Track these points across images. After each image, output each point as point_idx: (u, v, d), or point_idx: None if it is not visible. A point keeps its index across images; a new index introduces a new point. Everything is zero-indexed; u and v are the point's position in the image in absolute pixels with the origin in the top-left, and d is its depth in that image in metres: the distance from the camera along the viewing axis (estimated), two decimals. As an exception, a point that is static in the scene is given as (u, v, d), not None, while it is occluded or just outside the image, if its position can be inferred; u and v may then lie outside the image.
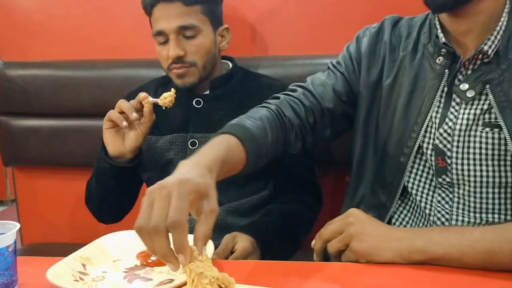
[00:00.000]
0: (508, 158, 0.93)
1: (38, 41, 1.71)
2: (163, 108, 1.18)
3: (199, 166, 0.77)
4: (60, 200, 1.79)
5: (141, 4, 1.32)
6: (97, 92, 1.61)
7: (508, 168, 0.93)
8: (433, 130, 0.99)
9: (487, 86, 0.94)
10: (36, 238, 1.81)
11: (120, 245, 0.95)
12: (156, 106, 1.19)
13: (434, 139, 0.99)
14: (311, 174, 1.40)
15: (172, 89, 1.18)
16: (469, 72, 0.96)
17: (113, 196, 1.30)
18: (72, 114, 1.66)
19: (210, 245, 0.91)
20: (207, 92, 1.37)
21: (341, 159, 1.40)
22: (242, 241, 1.16)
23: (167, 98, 1.17)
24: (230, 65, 1.43)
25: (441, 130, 0.98)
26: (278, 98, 1.12)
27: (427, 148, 1.00)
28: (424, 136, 1.00)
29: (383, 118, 1.07)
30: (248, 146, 0.93)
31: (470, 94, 0.95)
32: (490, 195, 0.95)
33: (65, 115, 1.67)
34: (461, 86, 0.96)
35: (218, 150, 0.85)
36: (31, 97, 1.65)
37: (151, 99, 1.17)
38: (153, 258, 0.91)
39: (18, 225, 0.81)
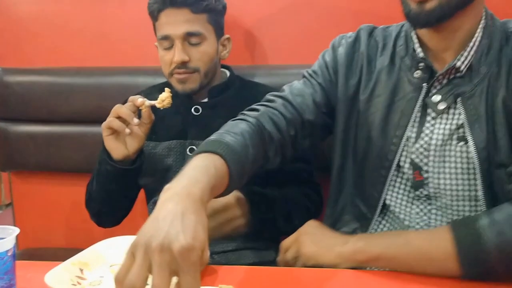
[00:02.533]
0: (477, 171, 0.93)
1: (36, 48, 1.73)
2: (161, 109, 1.19)
3: (194, 201, 0.70)
4: (56, 205, 1.79)
5: (147, 8, 1.33)
6: (95, 99, 1.62)
7: (478, 182, 0.93)
8: (410, 144, 1.00)
9: (459, 99, 0.95)
10: (32, 243, 1.81)
11: (116, 250, 0.96)
12: (154, 110, 1.19)
13: (410, 153, 0.99)
14: (308, 174, 1.40)
15: (166, 89, 1.18)
16: (443, 84, 0.97)
17: (114, 199, 1.31)
18: (69, 120, 1.67)
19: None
20: (206, 100, 1.39)
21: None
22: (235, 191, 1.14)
23: (164, 100, 1.17)
24: (228, 73, 1.45)
25: (417, 145, 0.98)
26: (257, 110, 1.06)
27: (404, 162, 1.01)
28: (403, 150, 1.00)
29: (361, 131, 1.06)
30: (233, 168, 0.85)
31: (442, 106, 0.96)
32: (467, 208, 0.96)
33: (62, 121, 1.68)
34: (433, 98, 0.97)
35: (207, 175, 0.77)
36: (29, 103, 1.67)
37: (148, 102, 1.17)
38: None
39: (17, 230, 0.82)
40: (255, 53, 1.63)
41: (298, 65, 1.56)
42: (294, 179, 1.34)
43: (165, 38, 1.30)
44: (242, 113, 1.05)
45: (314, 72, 1.13)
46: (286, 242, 1.04)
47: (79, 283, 0.87)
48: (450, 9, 0.90)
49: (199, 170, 0.78)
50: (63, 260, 0.90)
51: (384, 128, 1.02)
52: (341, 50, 1.11)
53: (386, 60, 1.05)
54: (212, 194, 0.77)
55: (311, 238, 0.99)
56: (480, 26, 0.96)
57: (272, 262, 1.30)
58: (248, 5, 1.60)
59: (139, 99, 1.16)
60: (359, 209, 1.07)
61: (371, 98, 1.05)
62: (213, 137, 0.92)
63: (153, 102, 1.17)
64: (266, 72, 1.57)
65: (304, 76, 1.15)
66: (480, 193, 0.94)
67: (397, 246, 0.88)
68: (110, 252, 0.96)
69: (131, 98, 1.18)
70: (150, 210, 1.38)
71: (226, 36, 1.40)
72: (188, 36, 1.29)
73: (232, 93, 1.40)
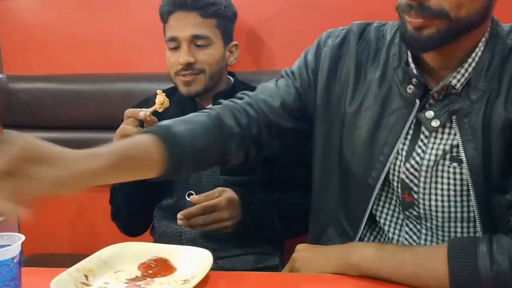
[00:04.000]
0: (472, 193, 0.88)
1: (41, 55, 1.74)
2: (167, 114, 1.20)
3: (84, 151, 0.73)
4: (61, 211, 1.80)
5: (158, 11, 1.36)
6: (99, 105, 1.63)
7: (472, 203, 0.88)
8: (398, 163, 0.93)
9: (454, 117, 0.87)
10: (37, 248, 1.81)
11: (121, 256, 0.97)
12: (159, 116, 1.21)
13: (400, 172, 0.93)
14: (306, 178, 1.40)
15: (158, 91, 1.19)
16: (437, 100, 0.89)
17: (139, 207, 1.35)
18: (74, 127, 1.68)
19: (209, 257, 0.93)
20: (211, 106, 1.39)
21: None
22: (230, 192, 1.20)
23: (163, 102, 1.18)
24: (232, 79, 1.46)
25: (407, 165, 0.92)
26: (220, 104, 1.04)
27: (393, 180, 0.95)
28: (390, 168, 0.94)
29: (347, 145, 0.98)
30: (168, 146, 0.84)
31: (435, 123, 0.88)
32: (459, 229, 0.92)
33: (67, 128, 1.69)
34: (426, 113, 0.89)
35: (119, 143, 0.81)
36: (34, 110, 1.68)
37: (149, 110, 1.17)
38: (153, 269, 0.93)
39: (23, 237, 0.83)
40: (261, 58, 1.63)
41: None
42: (294, 183, 1.34)
43: (172, 39, 1.32)
44: (210, 108, 1.04)
45: (292, 73, 1.05)
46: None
47: (84, 289, 0.87)
48: (450, 36, 0.82)
49: (120, 142, 0.82)
50: (68, 266, 0.90)
51: (371, 144, 0.94)
52: (326, 52, 1.01)
53: (378, 71, 0.96)
54: (128, 160, 0.78)
55: (304, 251, 0.98)
56: (483, 39, 0.87)
57: (276, 267, 1.31)
58: (252, 9, 1.60)
59: (141, 113, 1.16)
60: (342, 226, 1.01)
61: (359, 110, 0.96)
62: (161, 123, 0.93)
63: (153, 108, 1.18)
64: (271, 77, 1.57)
65: (282, 76, 1.08)
66: (473, 214, 0.89)
67: (391, 267, 0.85)
68: (115, 258, 0.96)
69: (130, 113, 1.16)
70: (156, 215, 1.39)
71: (234, 42, 1.41)
72: (194, 39, 1.31)
73: (236, 98, 1.41)
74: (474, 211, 0.89)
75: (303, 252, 0.98)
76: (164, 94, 1.19)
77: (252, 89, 1.47)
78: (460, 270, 0.79)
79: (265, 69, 1.63)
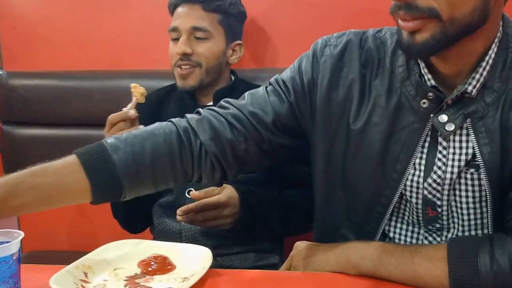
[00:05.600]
0: (489, 198, 0.84)
1: (41, 51, 1.74)
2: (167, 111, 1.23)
3: None
4: (61, 208, 1.78)
5: (167, 4, 1.40)
6: (99, 102, 1.63)
7: (484, 209, 0.86)
8: (416, 179, 0.89)
9: (468, 120, 0.83)
10: (36, 245, 1.81)
11: (121, 254, 0.97)
12: (160, 114, 1.22)
13: (421, 188, 0.89)
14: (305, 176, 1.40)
15: (132, 85, 1.24)
16: (450, 104, 0.85)
17: (137, 205, 1.32)
18: (74, 123, 1.68)
19: (208, 255, 0.93)
20: (211, 103, 1.40)
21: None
22: (230, 189, 1.20)
23: (142, 93, 1.23)
24: (233, 77, 1.46)
25: (429, 180, 0.88)
26: (199, 113, 0.94)
27: (411, 197, 0.90)
28: (406, 185, 0.89)
29: (353, 163, 0.92)
30: (91, 172, 0.82)
31: (450, 127, 0.84)
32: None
33: (67, 125, 1.69)
34: (439, 117, 0.84)
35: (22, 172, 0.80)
36: (34, 106, 1.68)
37: (131, 105, 1.21)
38: (153, 266, 0.93)
39: (22, 234, 0.82)
40: (263, 55, 1.62)
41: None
42: (295, 181, 1.34)
43: (173, 30, 1.35)
44: (185, 115, 0.95)
45: (284, 83, 0.96)
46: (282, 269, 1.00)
47: (83, 287, 0.87)
48: (447, 40, 0.77)
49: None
50: (68, 263, 0.90)
51: (381, 161, 0.89)
52: (325, 63, 0.94)
53: (384, 84, 0.89)
54: (22, 193, 0.79)
55: (305, 261, 0.95)
56: (495, 41, 0.83)
57: (276, 265, 1.31)
58: (254, 5, 1.58)
59: (131, 111, 1.19)
60: (348, 239, 0.95)
61: (367, 127, 0.90)
62: (104, 141, 0.87)
63: (134, 103, 1.21)
64: (272, 75, 1.56)
65: (271, 85, 0.98)
66: (486, 221, 0.87)
67: (390, 267, 0.84)
68: (114, 255, 0.96)
69: (118, 117, 1.18)
70: (155, 212, 1.39)
71: (238, 41, 1.41)
72: (194, 31, 1.33)
73: (236, 96, 1.40)
74: (488, 217, 0.86)
75: (302, 250, 0.97)
76: (137, 85, 1.23)
77: (253, 87, 1.46)
78: (460, 269, 0.78)
79: (267, 67, 1.62)
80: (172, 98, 1.41)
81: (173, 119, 0.94)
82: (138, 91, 1.22)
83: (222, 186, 1.10)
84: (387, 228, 0.95)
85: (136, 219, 1.42)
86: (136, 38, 1.67)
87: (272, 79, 0.99)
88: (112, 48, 1.70)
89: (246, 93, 0.98)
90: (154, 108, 1.37)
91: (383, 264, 0.85)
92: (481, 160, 0.83)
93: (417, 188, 0.89)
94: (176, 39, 1.36)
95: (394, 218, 0.94)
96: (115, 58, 1.70)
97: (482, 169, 0.83)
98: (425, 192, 0.89)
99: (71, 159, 0.84)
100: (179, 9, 1.36)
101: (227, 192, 1.20)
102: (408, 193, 0.90)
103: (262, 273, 0.96)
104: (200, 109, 0.96)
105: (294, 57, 1.00)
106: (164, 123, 0.93)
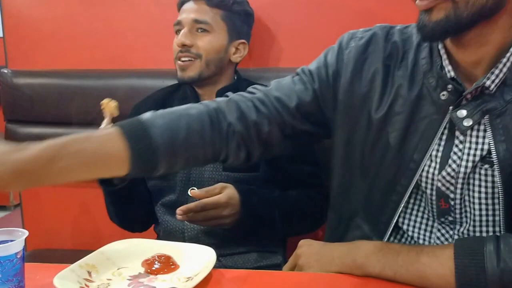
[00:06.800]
0: (501, 195, 0.85)
1: (46, 50, 1.74)
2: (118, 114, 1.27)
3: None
4: (65, 207, 1.81)
5: (173, 3, 1.42)
6: (103, 101, 1.63)
7: (497, 207, 0.87)
8: (432, 170, 0.90)
9: (486, 116, 0.85)
10: (40, 244, 1.82)
11: (124, 253, 0.97)
12: None
13: (435, 180, 0.90)
14: (315, 177, 1.39)
15: (104, 101, 1.30)
16: (470, 99, 0.86)
17: (129, 211, 1.37)
18: (78, 122, 1.68)
19: (212, 255, 0.93)
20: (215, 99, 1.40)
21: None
22: (231, 189, 1.20)
23: (115, 106, 1.27)
24: (235, 77, 1.45)
25: (444, 173, 0.89)
26: (227, 96, 0.98)
27: (426, 188, 0.91)
28: (422, 176, 0.91)
29: (373, 150, 0.94)
30: (132, 143, 0.82)
31: (467, 123, 0.85)
32: (491, 234, 0.89)
33: (71, 123, 1.69)
34: (458, 113, 0.86)
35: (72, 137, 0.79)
36: (38, 105, 1.68)
37: (105, 122, 1.28)
38: (157, 266, 0.93)
39: (26, 233, 0.82)
40: (267, 54, 1.62)
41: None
42: (298, 181, 1.34)
43: (177, 23, 1.38)
44: (215, 100, 0.99)
45: (310, 72, 1.00)
46: (285, 267, 0.99)
47: (87, 286, 0.87)
48: (461, 23, 0.79)
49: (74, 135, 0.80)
50: (71, 262, 0.90)
51: (400, 149, 0.91)
52: (349, 54, 0.97)
53: (406, 74, 0.92)
54: (67, 154, 0.77)
55: (309, 248, 0.96)
56: None
57: (279, 266, 1.31)
58: (258, 4, 1.57)
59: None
60: (362, 230, 0.98)
61: (389, 116, 0.92)
62: (140, 116, 0.89)
63: (109, 119, 1.28)
64: (276, 75, 1.56)
65: (297, 74, 1.02)
66: (498, 218, 0.87)
67: (396, 267, 0.84)
68: (118, 255, 0.96)
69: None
70: (158, 212, 1.39)
71: (242, 40, 1.41)
72: (195, 23, 1.34)
73: (239, 94, 1.41)
74: (500, 215, 0.87)
75: (306, 248, 0.97)
76: (109, 99, 1.25)
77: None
78: (466, 268, 0.78)
79: (272, 66, 1.61)
80: (175, 97, 1.42)
81: (203, 101, 0.97)
82: (110, 106, 1.22)
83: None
84: (400, 220, 0.95)
85: (130, 223, 1.42)
86: (141, 37, 1.67)
87: (299, 69, 1.03)
88: (117, 47, 1.70)
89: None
90: (157, 107, 1.36)
91: (389, 265, 0.84)
92: (495, 157, 0.84)
93: (432, 180, 0.90)
94: (178, 32, 1.38)
95: (408, 211, 0.95)
96: (119, 57, 1.70)
97: (496, 165, 0.84)
98: (439, 184, 0.90)
99: (112, 129, 0.84)
100: (186, 6, 1.39)
101: (228, 192, 1.20)
102: (423, 184, 0.91)
103: (265, 273, 0.95)
104: (229, 93, 1.00)
105: (299, 56, 1.01)
106: (195, 104, 0.96)
